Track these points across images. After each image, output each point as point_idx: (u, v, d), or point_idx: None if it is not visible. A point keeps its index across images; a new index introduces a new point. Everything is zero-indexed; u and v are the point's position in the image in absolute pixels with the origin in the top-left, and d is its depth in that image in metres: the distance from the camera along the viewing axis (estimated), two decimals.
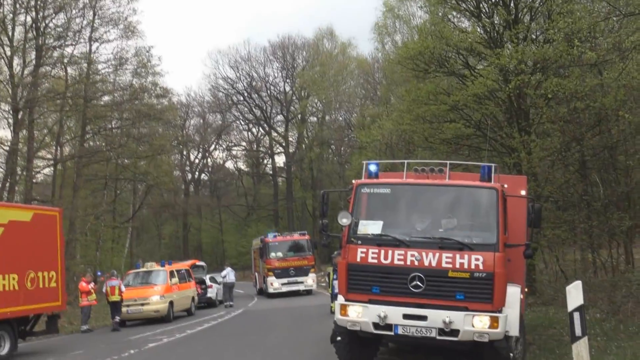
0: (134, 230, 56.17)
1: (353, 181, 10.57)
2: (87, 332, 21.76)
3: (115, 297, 22.02)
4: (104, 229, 39.99)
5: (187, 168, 72.22)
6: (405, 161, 10.67)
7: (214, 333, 18.97)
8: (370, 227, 10.00)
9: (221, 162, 75.35)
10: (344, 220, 9.88)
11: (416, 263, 9.56)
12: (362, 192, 10.27)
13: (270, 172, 71.58)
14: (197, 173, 73.45)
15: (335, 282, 13.71)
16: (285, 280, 32.52)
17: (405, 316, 9.52)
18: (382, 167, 10.96)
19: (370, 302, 9.66)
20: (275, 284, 32.46)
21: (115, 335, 20.44)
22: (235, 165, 73.31)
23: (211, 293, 31.69)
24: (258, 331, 18.38)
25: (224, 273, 31.07)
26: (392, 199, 10.31)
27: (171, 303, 24.16)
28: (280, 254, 32.72)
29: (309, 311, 24.78)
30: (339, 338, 10.52)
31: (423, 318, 9.47)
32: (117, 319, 22.02)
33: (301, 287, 32.54)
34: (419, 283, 9.57)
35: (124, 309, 23.25)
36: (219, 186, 75.13)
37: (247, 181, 77.33)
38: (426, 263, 9.54)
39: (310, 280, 32.69)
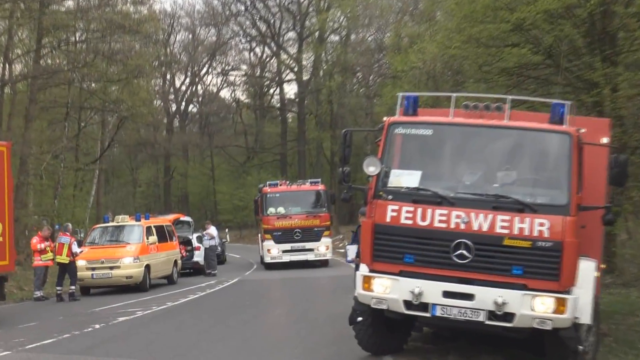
0: (103, 174, 56.58)
1: (384, 119, 10.56)
2: (41, 300, 22.10)
3: (62, 258, 22.23)
4: (64, 171, 40.16)
5: (172, 97, 72.31)
6: (453, 94, 10.58)
7: (201, 307, 19.23)
8: (405, 178, 10.07)
9: (215, 90, 75.37)
10: (371, 168, 9.90)
11: (462, 227, 9.62)
12: (395, 132, 10.30)
13: (278, 106, 71.49)
14: (183, 104, 73.58)
15: (350, 247, 13.67)
16: (287, 246, 30.96)
17: (446, 294, 9.61)
18: (423, 102, 10.93)
19: (402, 274, 9.79)
20: (273, 251, 31.06)
21: (77, 305, 20.73)
22: (232, 95, 73.91)
23: (199, 257, 31.95)
24: (256, 306, 18.65)
25: (208, 231, 30.84)
26: (434, 143, 10.33)
27: (147, 267, 24.45)
28: (281, 210, 31.18)
29: (321, 283, 25.08)
30: (359, 319, 10.64)
31: (469, 297, 9.55)
32: (72, 288, 22.28)
33: (310, 257, 31.07)
34: (465, 252, 9.62)
35: (86, 273, 23.58)
36: (212, 121, 75.32)
37: (247, 116, 77.39)
38: (475, 227, 9.60)
39: (322, 247, 31.11)
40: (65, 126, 40.49)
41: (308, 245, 31.07)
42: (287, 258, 31.08)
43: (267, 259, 31.26)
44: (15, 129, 33.99)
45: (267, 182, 32.87)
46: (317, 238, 31.05)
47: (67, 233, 22.51)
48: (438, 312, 9.69)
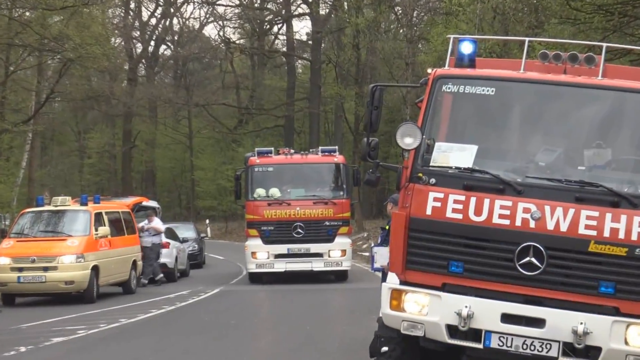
0: (38, 139, 56.59)
1: (429, 71, 10.58)
2: None
3: None
4: None
5: (136, 34, 72.24)
6: (527, 39, 10.59)
7: (167, 327, 19.33)
8: (455, 154, 10.09)
9: (197, 26, 75.21)
10: (408, 139, 9.88)
11: (532, 225, 9.63)
12: (444, 90, 10.31)
13: (284, 50, 71.31)
14: (152, 44, 73.51)
15: (378, 250, 13.71)
16: (282, 248, 28.42)
17: (507, 318, 9.65)
18: (484, 50, 10.88)
19: (446, 288, 9.87)
20: (260, 256, 28.53)
21: None
22: (221, 34, 73.16)
23: (167, 256, 32.17)
24: (243, 328, 18.76)
25: (153, 225, 29.78)
26: (496, 107, 10.36)
27: (95, 270, 24.60)
28: (275, 193, 28.70)
29: (335, 298, 25.28)
30: (384, 349, 10.65)
31: (538, 323, 9.59)
32: None
33: (317, 265, 28.62)
34: (534, 261, 9.63)
35: (10, 275, 23.74)
36: (191, 70, 75.29)
37: (241, 64, 77.27)
38: (550, 226, 9.63)
39: (337, 251, 28.60)
40: None
41: (314, 247, 28.45)
42: (280, 267, 28.52)
43: (251, 267, 28.82)
44: None
45: (256, 150, 30.26)
46: (328, 237, 28.45)
47: None
48: (494, 343, 9.71)
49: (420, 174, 9.99)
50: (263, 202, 28.62)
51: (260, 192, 28.71)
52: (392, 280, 10.29)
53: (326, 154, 29.72)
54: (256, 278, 29.13)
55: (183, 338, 17.20)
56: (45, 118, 56.19)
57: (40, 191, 43.29)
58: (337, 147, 31.42)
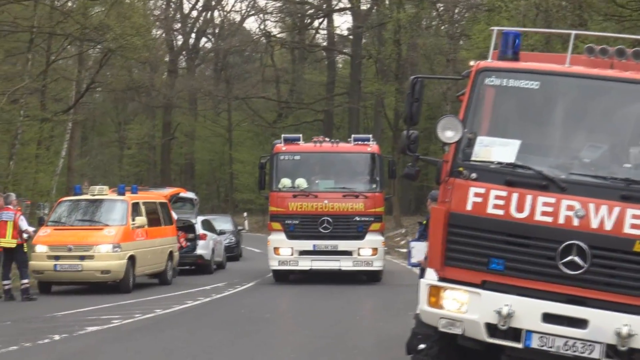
0: (79, 129, 56.59)
1: (472, 63, 10.45)
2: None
3: (6, 242, 22.29)
4: (25, 122, 40.37)
5: (177, 26, 72.41)
6: (573, 32, 10.45)
7: (202, 319, 19.30)
8: (497, 149, 9.95)
9: (238, 19, 75.25)
10: (449, 133, 9.77)
11: (576, 223, 9.51)
12: (486, 83, 10.18)
13: (324, 44, 71.27)
14: (193, 36, 73.67)
15: (415, 245, 13.53)
16: (308, 244, 26.65)
17: (548, 317, 9.52)
18: (528, 45, 10.83)
19: (486, 285, 9.75)
20: (283, 252, 26.79)
21: (33, 307, 20.87)
22: (262, 28, 73.15)
23: (203, 248, 32.24)
24: (276, 322, 18.78)
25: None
26: (541, 101, 10.21)
27: (132, 260, 24.66)
28: (301, 183, 26.97)
29: (367, 293, 25.07)
30: (421, 346, 10.55)
31: (580, 323, 9.46)
32: (25, 282, 22.42)
33: (346, 264, 26.73)
34: (577, 260, 9.50)
35: (47, 263, 23.84)
36: (232, 63, 75.34)
37: (281, 58, 77.26)
38: (594, 224, 9.50)
39: (368, 249, 26.76)
40: (28, 59, 40.56)
41: (343, 244, 26.56)
42: (305, 264, 26.74)
43: (274, 264, 27.02)
44: None
45: (283, 136, 28.36)
46: (359, 233, 26.63)
47: (10, 206, 22.50)
48: (534, 343, 9.58)
49: (461, 169, 9.88)
50: (288, 194, 26.73)
51: (285, 182, 26.88)
52: (431, 276, 10.13)
53: (359, 142, 27.70)
54: (281, 276, 27.68)
55: (216, 331, 17.14)
56: (85, 108, 56.18)
57: (79, 181, 43.31)
58: (371, 135, 29.30)
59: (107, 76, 52.56)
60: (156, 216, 27.07)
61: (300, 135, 28.94)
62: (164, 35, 69.29)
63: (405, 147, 10.32)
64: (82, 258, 23.85)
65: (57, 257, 23.85)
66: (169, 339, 15.97)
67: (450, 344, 10.34)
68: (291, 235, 26.64)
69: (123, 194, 25.92)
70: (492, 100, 10.28)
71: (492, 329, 9.67)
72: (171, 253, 27.71)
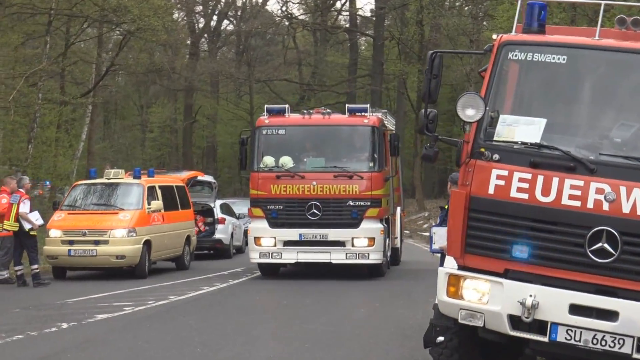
0: (100, 113, 56.37)
1: (494, 36, 10.08)
2: (2, 284, 22.04)
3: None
4: (44, 105, 40.17)
5: (199, 8, 72.16)
6: (603, 1, 10.09)
7: (217, 306, 18.96)
8: (521, 128, 9.58)
9: (260, 1, 74.91)
10: (470, 111, 9.43)
11: (606, 207, 9.11)
12: (510, 58, 9.81)
13: (347, 26, 70.95)
14: (215, 18, 73.41)
15: (437, 230, 13.13)
16: (293, 233, 23.39)
17: (575, 309, 9.15)
18: (552, 22, 10.30)
19: (509, 274, 9.42)
20: (265, 242, 23.48)
21: (45, 293, 20.71)
22: (284, 10, 72.78)
23: (222, 232, 32.10)
24: (294, 309, 18.29)
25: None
26: (568, 77, 9.85)
27: (148, 244, 24.43)
28: (286, 162, 23.57)
29: (389, 279, 24.47)
30: (440, 339, 10.26)
31: (610, 315, 9.09)
32: (35, 268, 22.05)
33: (337, 256, 23.34)
34: (607, 247, 9.08)
35: (61, 248, 23.57)
36: (253, 45, 75.04)
37: (303, 40, 77.00)
38: (626, 209, 9.10)
39: (362, 239, 23.30)
40: (47, 42, 40.40)
41: (334, 234, 23.21)
42: (290, 257, 23.51)
43: (254, 256, 23.77)
44: None
45: (266, 107, 24.93)
46: (353, 221, 23.26)
47: (22, 190, 22.20)
48: (560, 337, 9.21)
49: (482, 149, 9.52)
50: (270, 174, 23.38)
51: (268, 161, 23.59)
52: (450, 264, 9.85)
53: (355, 113, 24.04)
54: (266, 270, 24.66)
55: (230, 318, 16.87)
56: (105, 91, 56.19)
57: (101, 164, 43.25)
58: (368, 105, 25.32)
59: (128, 59, 52.35)
60: (173, 200, 26.82)
61: (287, 105, 25.02)
62: (185, 17, 69.26)
63: (424, 126, 9.91)
64: (96, 243, 23.60)
65: (71, 242, 23.62)
66: (180, 327, 15.60)
67: (471, 337, 10.05)
68: (274, 223, 23.36)
69: (139, 178, 25.68)
70: (516, 76, 9.95)
71: (515, 321, 9.32)
72: (188, 237, 27.47)
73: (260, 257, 23.56)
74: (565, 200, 9.18)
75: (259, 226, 23.45)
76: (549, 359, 10.85)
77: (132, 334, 14.75)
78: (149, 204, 24.76)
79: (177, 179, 29.04)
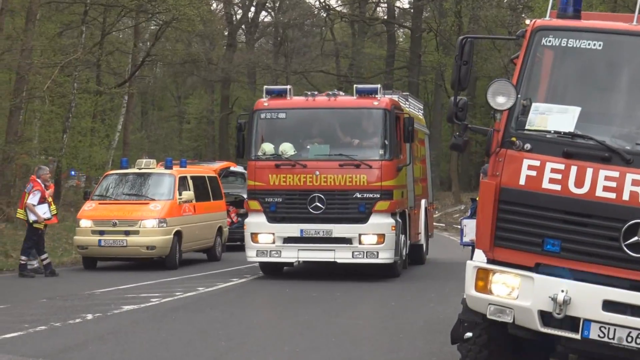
0: (137, 103, 56.39)
1: (527, 21, 9.87)
2: (28, 275, 21.85)
3: (19, 213, 22.03)
4: (79, 95, 40.28)
5: (237, 0, 72.13)
6: None
7: (246, 297, 18.81)
8: (554, 117, 9.38)
9: None
10: (500, 99, 9.22)
11: None
12: (544, 44, 9.59)
13: (384, 18, 70.75)
14: (252, 9, 73.34)
15: (468, 223, 12.88)
16: (294, 228, 21.23)
17: (609, 305, 8.93)
18: (594, 7, 10.00)
19: (540, 269, 9.24)
20: (263, 238, 21.29)
21: (75, 283, 20.74)
22: (322, 1, 72.59)
23: None
24: (325, 302, 18.07)
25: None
26: (604, 64, 9.61)
27: (178, 235, 24.35)
28: (287, 148, 21.48)
29: (421, 271, 24.19)
30: (468, 334, 10.05)
31: None
32: (23, 258, 21.88)
33: (342, 255, 21.10)
34: None
35: (91, 239, 23.58)
36: (291, 37, 74.98)
37: (341, 32, 76.85)
38: None
39: (370, 236, 21.04)
40: (82, 31, 40.51)
41: (339, 229, 21.01)
42: (290, 255, 21.37)
43: (250, 254, 21.54)
44: (9, 31, 33.90)
45: (265, 88, 22.78)
46: (360, 215, 21.07)
47: (39, 180, 22.02)
48: (594, 334, 9.00)
49: (513, 138, 9.32)
50: (269, 163, 21.25)
51: (266, 148, 21.42)
52: (479, 257, 9.64)
53: (364, 95, 21.87)
54: (269, 269, 22.59)
55: (257, 311, 16.83)
56: (142, 81, 56.36)
57: (137, 155, 43.36)
58: (379, 86, 22.67)
59: (164, 49, 52.47)
60: (205, 190, 26.69)
61: (289, 87, 22.76)
62: (223, 8, 69.36)
63: (453, 114, 9.70)
64: (127, 233, 23.53)
65: (101, 232, 23.59)
66: (206, 319, 15.39)
67: (501, 333, 9.80)
68: (272, 218, 21.19)
69: (170, 168, 25.60)
70: (550, 62, 9.71)
71: (546, 317, 9.12)
72: (220, 228, 27.32)
73: (257, 256, 21.40)
74: (599, 192, 8.97)
75: (256, 221, 21.27)
76: (582, 356, 10.61)
77: (156, 326, 14.56)
78: (180, 194, 24.63)
79: (209, 169, 28.95)
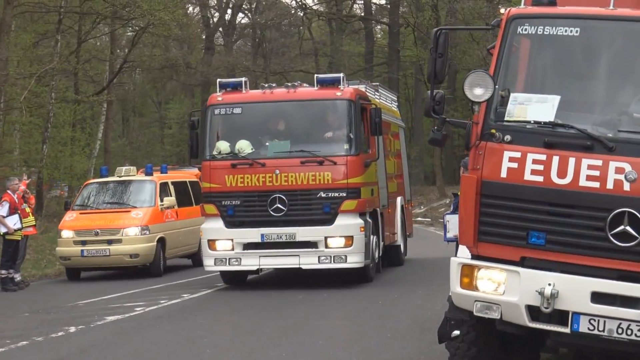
0: (117, 110, 56.11)
1: (502, 10, 9.79)
2: (12, 289, 21.56)
3: None
4: (57, 105, 40.05)
5: (213, 2, 72.05)
6: None
7: (232, 302, 18.66)
8: (534, 107, 9.27)
9: None
10: (478, 90, 9.10)
11: (627, 187, 8.79)
12: (520, 32, 9.49)
13: (361, 14, 70.70)
14: (229, 12, 73.17)
15: (451, 218, 12.70)
16: (254, 233, 19.59)
17: (598, 297, 8.82)
18: None
19: (526, 263, 9.15)
20: (221, 245, 19.77)
21: (55, 296, 20.51)
22: (299, 0, 72.55)
23: None
24: (310, 302, 17.88)
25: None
26: (582, 51, 9.55)
27: (162, 242, 24.22)
28: (244, 146, 19.89)
29: (408, 269, 23.98)
30: (455, 333, 9.90)
31: (635, 302, 8.77)
32: (4, 272, 21.54)
33: (308, 261, 19.64)
34: (630, 229, 8.75)
35: (73, 249, 23.35)
36: (269, 38, 74.84)
37: (319, 30, 76.69)
38: None
39: (337, 239, 19.54)
40: (57, 40, 40.34)
41: (303, 232, 19.50)
42: (251, 263, 19.69)
43: (208, 264, 20.02)
44: None
45: (218, 81, 21.01)
46: (325, 216, 19.56)
47: (9, 191, 21.85)
48: (583, 327, 8.89)
49: (493, 130, 9.22)
50: (225, 163, 19.70)
51: (221, 146, 19.83)
52: (463, 253, 9.53)
53: (326, 85, 20.32)
54: (231, 278, 20.91)
55: (244, 316, 16.53)
56: (121, 88, 56.21)
57: (119, 162, 43.22)
58: (342, 74, 20.95)
59: (143, 55, 52.35)
60: (187, 196, 26.54)
61: (244, 79, 20.91)
62: (199, 12, 69.17)
63: (430, 108, 9.58)
64: (109, 242, 23.39)
65: (83, 242, 23.42)
66: (191, 327, 15.18)
67: (489, 330, 9.69)
68: (230, 222, 19.65)
69: (151, 174, 25.52)
70: (527, 51, 9.63)
71: (534, 311, 9.02)
72: None
73: (215, 264, 19.79)
74: (583, 182, 8.86)
75: (213, 226, 19.73)
76: (573, 350, 10.54)
77: (140, 336, 14.36)
78: (161, 200, 24.50)
79: (191, 174, 28.65)
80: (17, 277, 21.88)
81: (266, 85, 21.26)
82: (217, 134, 20.03)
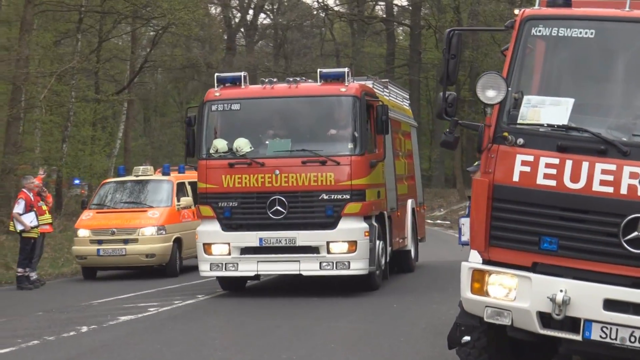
0: (139, 109, 56.21)
1: (516, 11, 9.63)
2: (27, 287, 21.58)
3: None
4: (77, 104, 40.16)
5: (235, 3, 72.18)
6: None
7: (246, 303, 18.50)
8: (547, 110, 9.15)
9: None
10: (490, 92, 8.98)
11: None
12: (534, 34, 9.37)
13: (383, 16, 70.67)
14: (251, 12, 73.29)
15: (464, 221, 12.59)
16: (252, 237, 18.59)
17: (610, 304, 8.69)
18: None
19: (537, 268, 9.03)
20: (217, 249, 18.72)
21: (70, 295, 20.47)
22: (320, 1, 72.55)
23: None
24: (327, 304, 17.76)
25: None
26: (597, 53, 9.41)
27: (178, 242, 24.16)
28: (242, 144, 18.81)
29: (422, 272, 23.84)
30: (466, 338, 9.82)
31: None
32: (20, 270, 21.63)
33: (309, 267, 18.60)
34: None
35: (90, 248, 23.32)
36: (290, 38, 74.87)
37: (340, 31, 76.63)
38: None
39: (340, 244, 18.45)
40: (78, 39, 40.44)
41: (304, 236, 18.47)
42: (248, 268, 18.68)
43: (204, 269, 18.90)
44: (4, 43, 33.80)
45: (216, 75, 19.66)
46: (328, 219, 18.50)
47: (25, 189, 21.87)
48: (595, 335, 8.77)
49: (505, 133, 9.11)
50: (222, 162, 18.62)
51: (219, 144, 18.76)
52: (474, 258, 9.45)
53: (329, 81, 19.13)
54: (229, 284, 19.99)
55: (256, 318, 16.30)
56: (141, 88, 56.31)
57: (139, 162, 43.22)
58: (347, 69, 19.61)
59: (163, 55, 52.40)
60: None
61: (244, 73, 19.61)
62: (221, 12, 69.29)
63: (442, 110, 9.52)
64: (125, 242, 23.38)
65: (100, 242, 23.41)
66: (203, 328, 15.09)
67: (500, 336, 9.59)
68: (227, 225, 18.62)
69: (168, 174, 25.49)
70: (541, 53, 9.52)
71: (545, 318, 8.91)
72: None
73: (211, 269, 18.74)
74: (596, 187, 8.74)
75: (209, 229, 18.70)
76: (585, 357, 10.39)
77: (151, 337, 14.28)
78: (178, 200, 24.45)
79: None
80: (33, 275, 21.94)
81: (266, 80, 19.84)
82: (214, 132, 19.07)
